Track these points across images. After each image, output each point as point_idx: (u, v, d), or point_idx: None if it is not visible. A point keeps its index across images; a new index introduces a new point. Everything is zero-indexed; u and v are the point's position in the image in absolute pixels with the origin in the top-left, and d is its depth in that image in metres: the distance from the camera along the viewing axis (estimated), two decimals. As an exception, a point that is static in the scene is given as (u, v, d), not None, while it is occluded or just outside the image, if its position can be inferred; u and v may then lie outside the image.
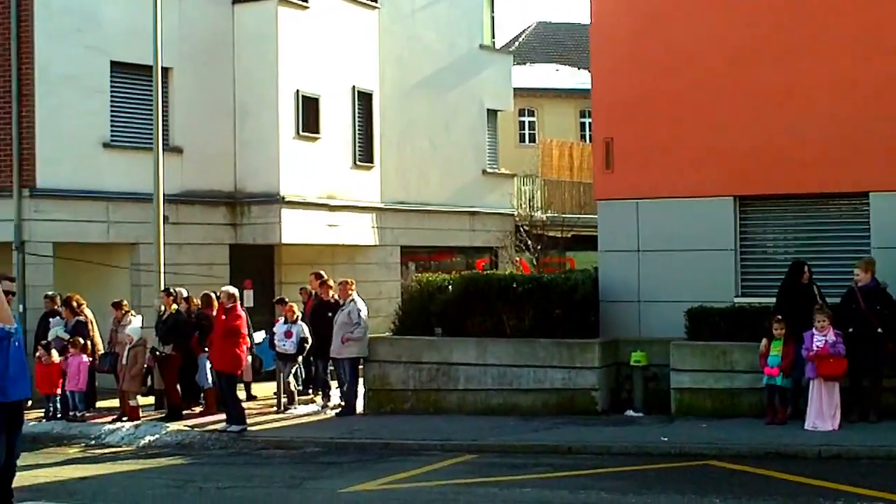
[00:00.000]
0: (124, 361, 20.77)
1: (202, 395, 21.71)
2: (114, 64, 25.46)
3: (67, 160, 24.64)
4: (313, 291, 22.66)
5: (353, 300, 20.72)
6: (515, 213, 35.82)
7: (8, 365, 11.52)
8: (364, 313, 20.63)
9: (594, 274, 20.80)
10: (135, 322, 21.29)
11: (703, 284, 19.51)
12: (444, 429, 18.42)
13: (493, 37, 36.67)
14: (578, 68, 49.61)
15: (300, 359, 22.13)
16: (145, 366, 21.10)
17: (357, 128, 29.70)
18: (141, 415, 20.77)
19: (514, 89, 37.57)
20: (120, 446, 18.94)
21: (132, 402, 20.75)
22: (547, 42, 55.81)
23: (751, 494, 12.71)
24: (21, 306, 23.88)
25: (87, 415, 21.01)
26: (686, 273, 19.76)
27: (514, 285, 20.15)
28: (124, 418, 20.50)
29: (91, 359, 21.21)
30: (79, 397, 20.96)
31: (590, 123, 45.12)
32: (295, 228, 27.21)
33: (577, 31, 55.32)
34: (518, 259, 33.20)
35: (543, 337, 19.68)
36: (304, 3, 27.96)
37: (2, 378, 11.49)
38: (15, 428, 11.87)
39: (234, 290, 19.58)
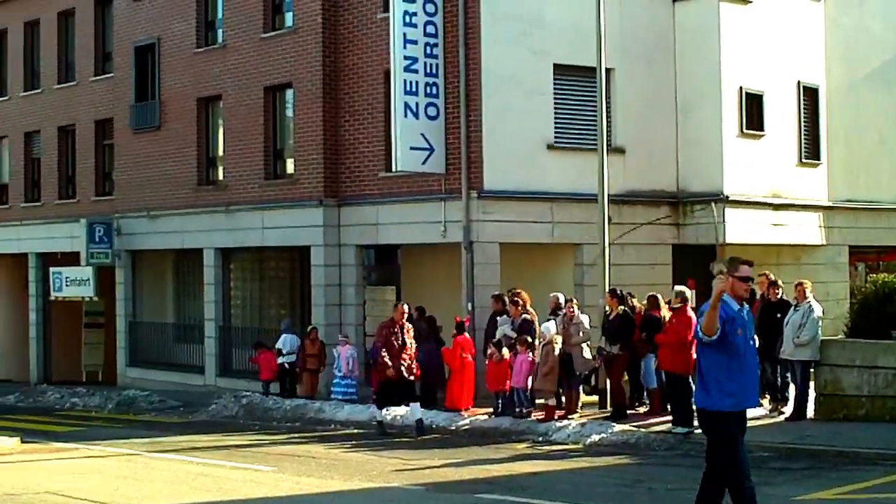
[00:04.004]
0: (537, 360, 20.94)
1: (646, 395, 21.58)
2: (556, 66, 25.78)
3: (512, 162, 25.18)
4: (760, 292, 22.00)
5: (808, 302, 19.96)
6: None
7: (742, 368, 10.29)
8: (818, 316, 19.83)
9: None
10: (584, 320, 21.39)
11: None
12: (904, 439, 17.41)
13: (950, 23, 34.48)
14: None
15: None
16: (596, 365, 21.27)
17: (802, 124, 28.72)
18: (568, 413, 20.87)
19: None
20: (566, 444, 19.12)
21: (548, 402, 20.88)
22: None
23: None
24: (469, 305, 24.65)
25: (534, 411, 21.31)
26: None
27: (983, 286, 18.81)
28: (570, 416, 20.68)
29: (534, 356, 21.48)
30: (523, 394, 21.31)
31: None
32: (738, 228, 26.61)
33: None
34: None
35: None
36: (747, -2, 27.41)
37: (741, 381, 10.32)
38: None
39: (686, 291, 19.30)
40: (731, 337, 10.19)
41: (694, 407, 11.27)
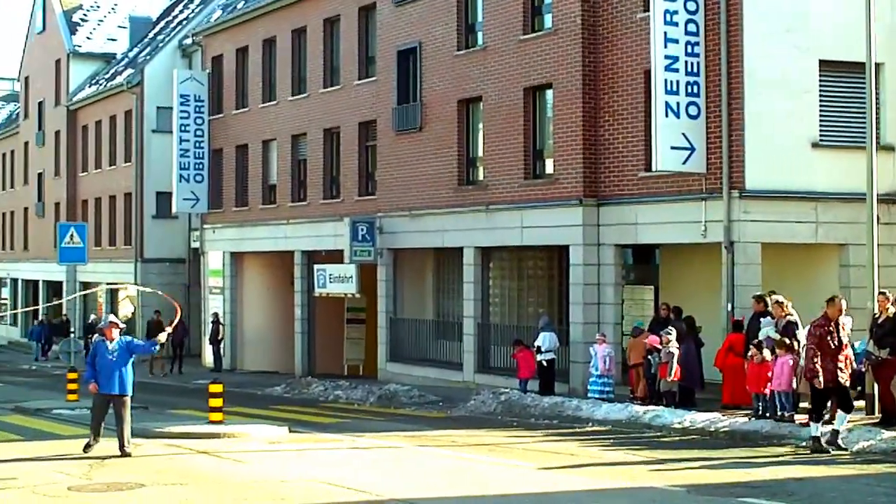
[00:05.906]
0: (800, 363, 20.39)
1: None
2: (822, 62, 25.18)
3: (775, 161, 24.74)
4: None
5: None
6: None
7: None
8: None
9: None
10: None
11: None
12: None
13: None
14: None
15: None
16: (862, 369, 20.62)
17: None
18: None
19: None
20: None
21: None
22: None
23: None
24: (729, 305, 24.31)
25: (796, 415, 20.83)
26: None
27: None
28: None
29: (796, 359, 20.97)
30: (785, 397, 20.87)
31: None
32: None
33: None
34: None
35: None
36: None
37: None
38: None
39: None
40: None
41: None
